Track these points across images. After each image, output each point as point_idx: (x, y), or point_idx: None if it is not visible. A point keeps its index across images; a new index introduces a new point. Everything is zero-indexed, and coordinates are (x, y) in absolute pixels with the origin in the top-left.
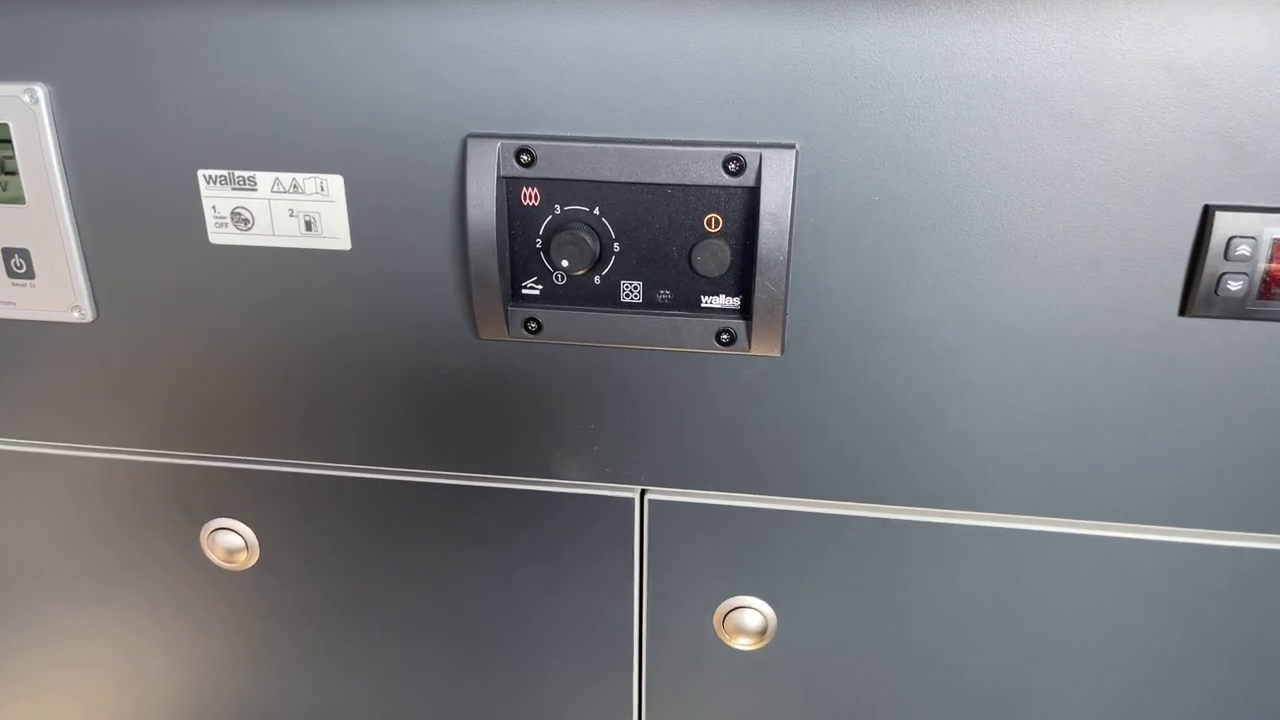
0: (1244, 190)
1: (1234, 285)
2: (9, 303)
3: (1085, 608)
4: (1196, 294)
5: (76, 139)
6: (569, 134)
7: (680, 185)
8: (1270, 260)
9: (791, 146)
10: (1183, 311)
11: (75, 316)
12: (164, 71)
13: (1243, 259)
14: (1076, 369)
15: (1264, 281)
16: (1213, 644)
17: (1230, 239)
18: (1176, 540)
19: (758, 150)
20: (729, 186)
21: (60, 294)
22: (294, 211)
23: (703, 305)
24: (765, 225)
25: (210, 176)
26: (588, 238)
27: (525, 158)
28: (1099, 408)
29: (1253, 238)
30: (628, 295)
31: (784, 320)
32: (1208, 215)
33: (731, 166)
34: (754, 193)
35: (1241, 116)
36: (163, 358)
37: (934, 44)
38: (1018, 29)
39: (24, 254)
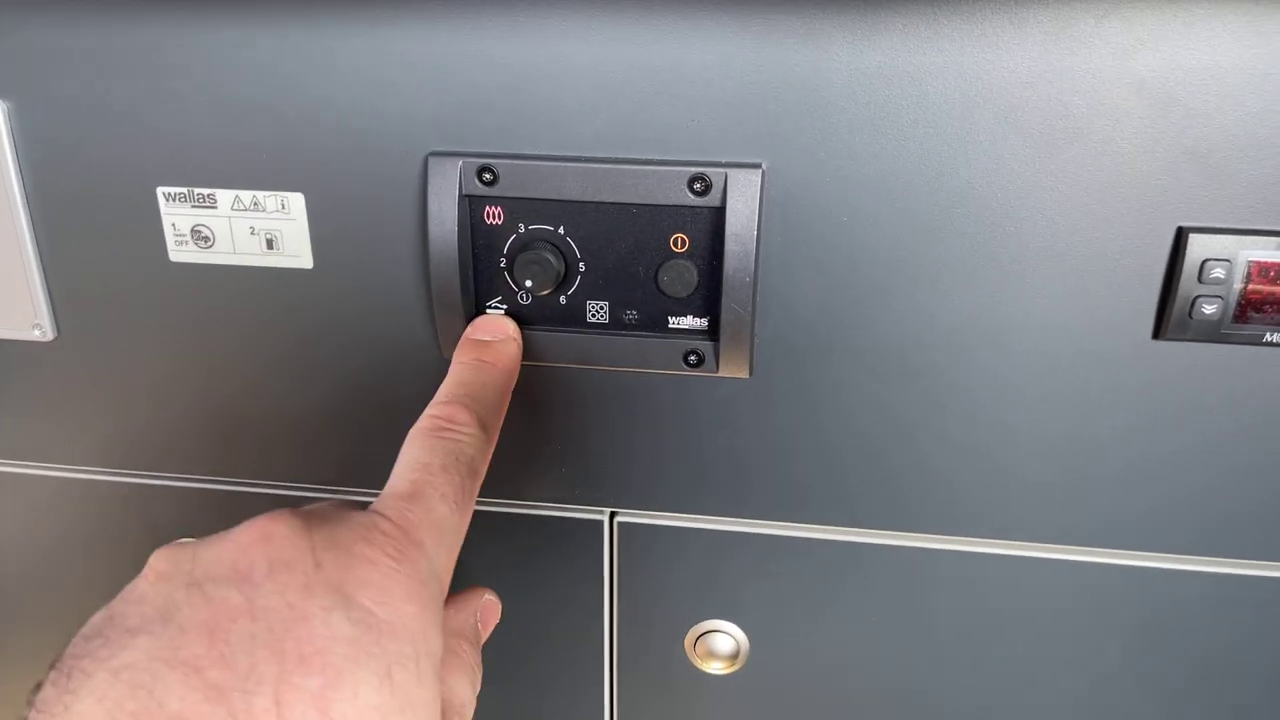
0: (1218, 212)
1: (1208, 308)
2: None
3: (1057, 631)
4: (1170, 317)
5: (35, 155)
6: (532, 152)
7: (645, 205)
8: (1245, 283)
9: (758, 166)
10: (1156, 334)
11: (36, 335)
12: (123, 88)
13: (1217, 282)
14: (1049, 392)
15: (1239, 305)
16: (1187, 670)
17: (1204, 261)
18: (1149, 565)
19: (723, 170)
20: (694, 206)
21: (21, 312)
22: (255, 229)
23: (670, 326)
24: (731, 246)
25: (170, 194)
26: (552, 257)
27: (488, 176)
28: (1072, 431)
29: (1227, 260)
30: (593, 315)
31: (752, 341)
32: (1181, 237)
33: (697, 186)
34: (720, 213)
35: (1215, 137)
36: (125, 376)
37: (901, 63)
38: (986, 48)
39: None
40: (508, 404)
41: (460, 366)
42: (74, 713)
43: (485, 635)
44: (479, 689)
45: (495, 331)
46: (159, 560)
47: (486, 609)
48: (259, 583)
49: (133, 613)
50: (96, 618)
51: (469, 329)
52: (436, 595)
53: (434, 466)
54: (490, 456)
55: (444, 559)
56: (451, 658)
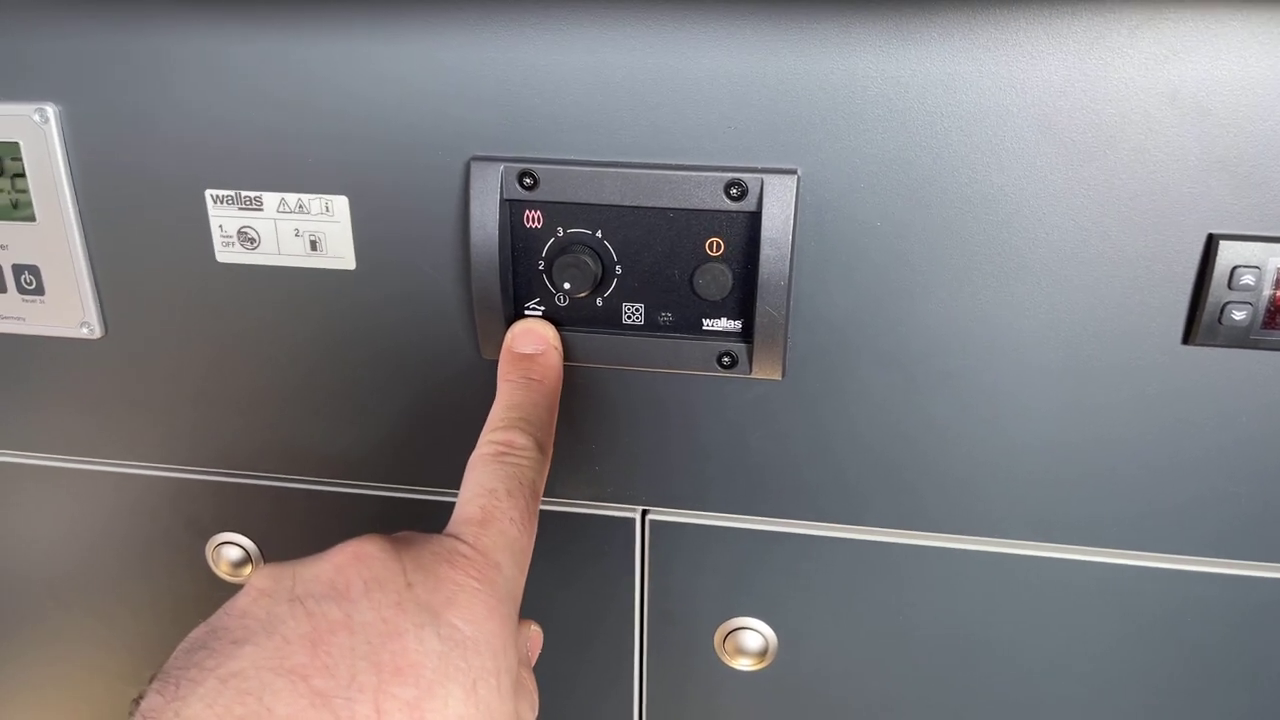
0: (1248, 219)
1: (1238, 314)
2: (19, 318)
3: (1087, 634)
4: (1200, 323)
5: (86, 158)
6: (572, 158)
7: (682, 209)
8: (1274, 289)
9: (793, 172)
10: (1186, 340)
11: (84, 333)
12: (172, 92)
13: (1246, 288)
14: (1080, 396)
15: (1268, 311)
16: (1215, 672)
17: (1234, 268)
18: (1179, 568)
19: (759, 175)
20: (730, 211)
21: (70, 310)
22: (299, 231)
23: (704, 328)
24: (766, 250)
25: (217, 196)
26: (590, 260)
27: (528, 181)
28: (1102, 434)
29: (1257, 267)
30: (629, 317)
31: (785, 344)
32: (1211, 244)
33: (733, 191)
34: (755, 217)
35: (1245, 146)
36: (170, 374)
37: (936, 71)
38: (1020, 57)
39: (34, 271)
40: (557, 414)
41: (510, 386)
42: (184, 718)
43: (531, 663)
44: (536, 712)
45: (537, 342)
46: (260, 578)
47: (534, 639)
48: (356, 599)
49: (236, 625)
50: (197, 632)
51: (509, 337)
52: (513, 613)
53: (500, 492)
54: (547, 472)
55: (518, 578)
56: (519, 687)
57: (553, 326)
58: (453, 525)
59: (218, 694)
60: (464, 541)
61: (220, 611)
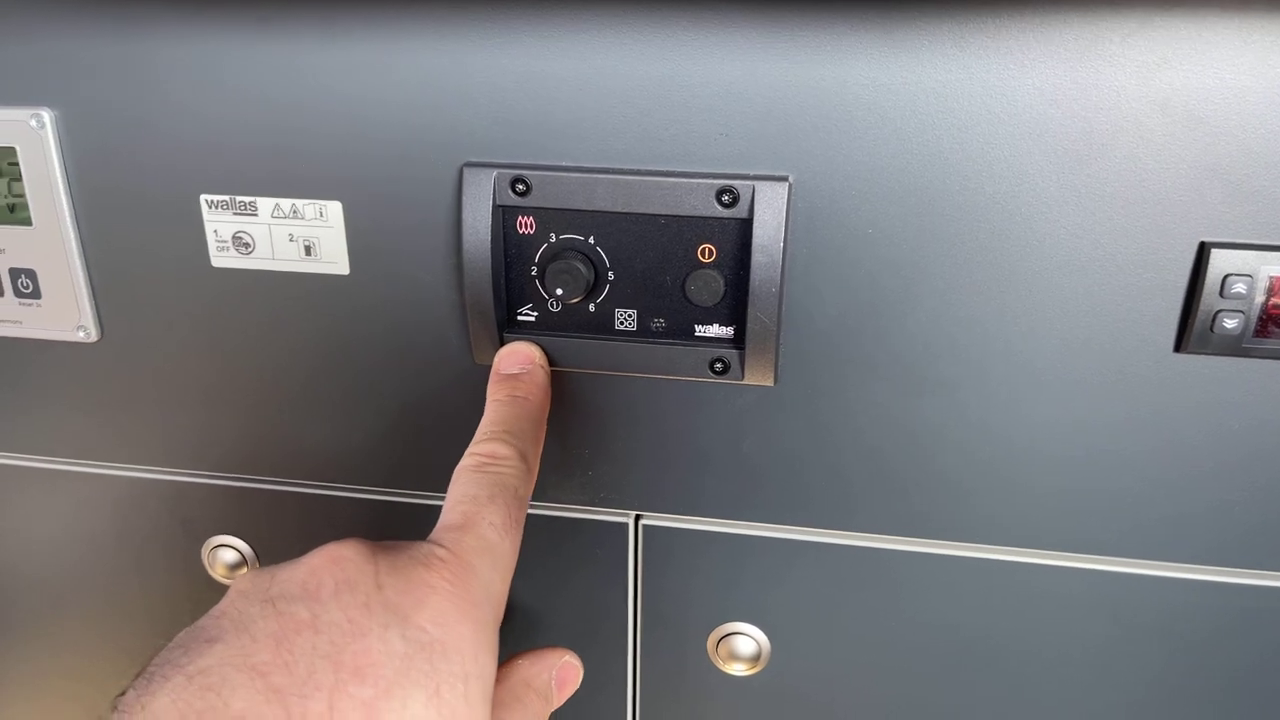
0: (1240, 227)
1: (1230, 323)
2: (16, 322)
3: (1078, 640)
4: (1192, 331)
5: (82, 163)
6: (564, 164)
7: (674, 216)
8: (1266, 298)
9: (785, 179)
10: (1178, 348)
11: (80, 336)
12: (168, 98)
13: (1239, 296)
14: (1071, 403)
15: (1260, 319)
16: (1207, 681)
17: (1226, 276)
18: (1169, 575)
19: (751, 182)
20: (722, 218)
21: (66, 314)
22: (294, 236)
23: (696, 334)
24: (757, 257)
25: (212, 201)
26: (582, 266)
27: (520, 187)
28: (1094, 442)
29: (1249, 275)
30: (622, 323)
31: (777, 350)
32: (1203, 252)
33: (725, 198)
34: (747, 224)
35: (1238, 154)
36: (165, 377)
37: (927, 79)
38: (1011, 65)
39: (30, 274)
40: (544, 432)
41: (495, 404)
42: (149, 711)
43: (562, 697)
44: None
45: (522, 362)
46: (241, 581)
47: (565, 670)
48: (325, 600)
49: (212, 625)
50: (182, 634)
51: (496, 361)
52: (490, 618)
53: (481, 498)
54: (533, 484)
55: (498, 583)
56: (516, 704)
57: (538, 347)
58: (434, 533)
59: (183, 689)
60: (441, 545)
61: (206, 614)
